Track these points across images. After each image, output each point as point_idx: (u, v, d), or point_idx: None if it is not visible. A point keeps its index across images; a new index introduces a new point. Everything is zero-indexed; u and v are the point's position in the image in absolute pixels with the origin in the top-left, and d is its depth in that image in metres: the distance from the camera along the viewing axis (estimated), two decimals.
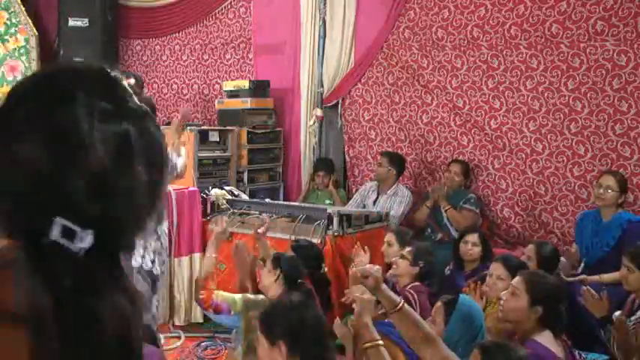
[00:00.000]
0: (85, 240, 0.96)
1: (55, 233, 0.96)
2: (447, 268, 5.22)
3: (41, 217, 0.96)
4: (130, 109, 1.06)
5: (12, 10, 8.33)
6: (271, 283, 4.06)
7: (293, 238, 5.17)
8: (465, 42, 6.41)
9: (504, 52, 6.20)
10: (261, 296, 4.12)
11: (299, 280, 4.20)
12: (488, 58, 6.28)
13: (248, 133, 7.31)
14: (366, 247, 5.03)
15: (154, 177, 1.05)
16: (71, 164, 0.96)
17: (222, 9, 8.02)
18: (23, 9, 8.46)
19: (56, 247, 0.95)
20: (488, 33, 6.27)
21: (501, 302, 3.72)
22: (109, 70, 1.13)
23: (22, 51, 8.48)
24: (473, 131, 6.47)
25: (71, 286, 0.95)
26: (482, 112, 6.39)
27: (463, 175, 6.25)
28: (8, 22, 8.45)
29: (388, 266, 4.89)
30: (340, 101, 7.33)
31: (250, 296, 4.11)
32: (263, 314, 2.96)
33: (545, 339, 3.38)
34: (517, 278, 3.66)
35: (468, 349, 3.19)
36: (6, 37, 8.46)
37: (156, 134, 1.08)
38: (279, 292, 4.04)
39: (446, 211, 6.08)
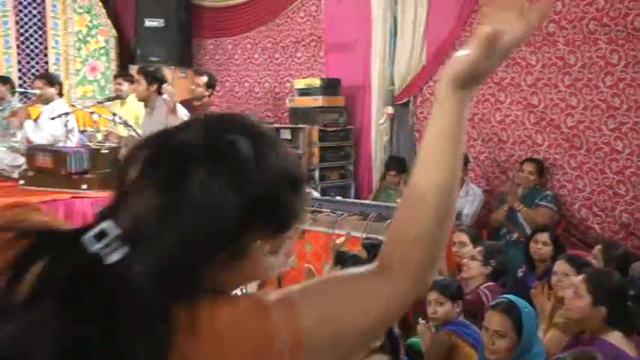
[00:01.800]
0: (116, 252, 0.96)
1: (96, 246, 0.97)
2: (520, 270, 5.14)
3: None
4: None
5: (93, 12, 8.63)
6: None
7: (364, 236, 5.19)
8: (540, 38, 6.30)
9: (582, 48, 6.08)
10: None
11: None
12: (565, 54, 6.18)
13: (319, 131, 7.41)
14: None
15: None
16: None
17: (292, 7, 8.14)
18: (104, 11, 8.75)
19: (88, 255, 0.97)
20: (565, 28, 6.16)
21: (566, 301, 3.69)
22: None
23: (102, 51, 8.79)
24: (548, 130, 6.38)
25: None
26: (558, 110, 6.29)
27: (537, 174, 6.17)
28: (90, 25, 8.77)
29: (459, 267, 4.89)
30: (412, 99, 7.32)
31: None
32: None
33: (615, 339, 3.33)
34: (579, 277, 3.63)
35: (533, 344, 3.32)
36: (88, 39, 8.79)
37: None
38: None
39: (520, 210, 6.01)
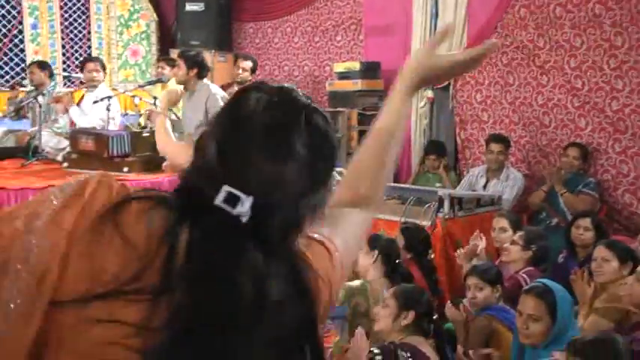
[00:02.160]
0: (245, 204, 1.07)
1: (220, 198, 1.08)
2: (561, 255, 5.12)
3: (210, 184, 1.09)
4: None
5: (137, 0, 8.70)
6: (369, 265, 4.15)
7: (403, 220, 5.21)
8: (586, 19, 6.23)
9: (629, 29, 5.98)
10: (357, 282, 4.16)
11: (397, 261, 4.27)
12: (611, 35, 6.09)
13: (358, 114, 7.45)
14: (482, 235, 4.96)
15: (318, 165, 1.17)
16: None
17: None
18: None
19: (214, 210, 1.07)
20: (612, 9, 6.07)
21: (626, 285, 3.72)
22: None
23: (143, 36, 8.90)
24: (592, 113, 6.31)
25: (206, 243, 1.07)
26: (603, 94, 6.21)
27: (582, 159, 6.13)
28: (132, 9, 8.88)
29: (497, 252, 4.94)
30: (452, 82, 7.23)
31: (349, 284, 4.13)
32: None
33: None
34: None
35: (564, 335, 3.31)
36: (129, 23, 8.89)
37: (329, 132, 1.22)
38: (377, 273, 4.15)
39: (562, 195, 5.97)
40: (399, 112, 1.54)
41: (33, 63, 7.32)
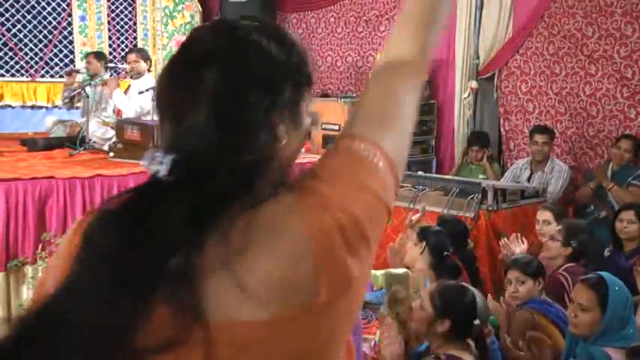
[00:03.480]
0: (163, 163, 1.01)
1: (145, 163, 1.03)
2: (607, 249, 5.09)
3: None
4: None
5: None
6: (417, 256, 4.15)
7: (446, 211, 5.27)
8: (639, 7, 6.17)
9: None
10: (401, 270, 4.15)
11: (445, 253, 4.24)
12: None
13: None
14: (524, 239, 4.94)
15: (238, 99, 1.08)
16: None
17: None
18: None
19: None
20: None
21: None
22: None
23: (187, 27, 9.02)
24: None
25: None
26: None
27: (634, 152, 6.05)
28: (177, 0, 8.97)
29: (540, 244, 4.95)
30: (497, 73, 7.28)
31: (392, 271, 4.15)
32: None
33: None
34: None
35: (619, 329, 3.27)
36: (174, 14, 9.00)
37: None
38: (424, 265, 4.14)
39: (610, 189, 5.92)
40: None
41: (90, 53, 7.43)
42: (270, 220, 1.03)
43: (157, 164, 1.00)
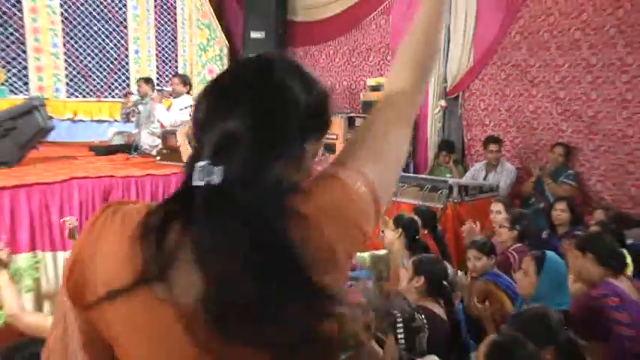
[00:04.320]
0: (215, 175, 0.92)
1: (195, 178, 0.94)
2: (545, 232, 5.09)
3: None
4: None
5: (212, 27, 8.88)
6: (394, 240, 4.12)
7: (420, 203, 5.23)
8: (568, 43, 6.21)
9: (603, 51, 5.95)
10: (383, 251, 4.18)
11: (417, 237, 4.22)
12: (588, 56, 6.06)
13: None
14: (477, 223, 4.91)
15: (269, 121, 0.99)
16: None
17: (366, 21, 8.14)
18: (219, 26, 8.97)
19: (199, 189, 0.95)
20: (589, 35, 6.05)
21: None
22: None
23: (217, 58, 9.00)
24: (571, 119, 6.28)
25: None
26: (580, 103, 6.18)
27: (565, 155, 6.12)
28: (209, 37, 9.00)
29: (493, 230, 4.86)
30: (461, 94, 7.28)
31: (375, 252, 4.17)
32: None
33: (620, 282, 3.30)
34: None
35: (554, 295, 3.26)
36: (207, 48, 9.02)
37: None
38: (400, 246, 4.10)
39: (547, 185, 6.01)
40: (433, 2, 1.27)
41: (141, 78, 7.43)
42: None
43: (207, 175, 0.91)
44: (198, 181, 0.92)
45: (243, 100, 0.98)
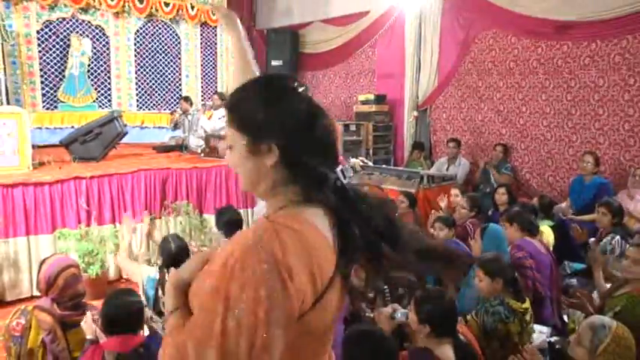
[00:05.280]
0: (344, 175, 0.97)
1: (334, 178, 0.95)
2: (490, 211, 5.11)
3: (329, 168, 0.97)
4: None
5: None
6: None
7: (401, 189, 5.14)
8: (505, 70, 6.28)
9: (529, 77, 6.05)
10: None
11: (396, 214, 4.20)
12: (520, 80, 6.14)
13: (373, 126, 7.31)
14: (446, 196, 4.98)
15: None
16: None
17: (358, 53, 8.07)
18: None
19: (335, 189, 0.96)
20: (519, 65, 6.13)
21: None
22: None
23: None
24: (508, 126, 6.35)
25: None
26: (515, 114, 6.26)
27: (504, 152, 6.17)
28: None
29: (453, 209, 4.83)
30: (429, 107, 7.25)
31: None
32: None
33: (532, 240, 3.41)
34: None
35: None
36: None
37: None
38: None
39: (492, 174, 6.05)
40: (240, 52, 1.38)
41: (182, 98, 7.32)
42: None
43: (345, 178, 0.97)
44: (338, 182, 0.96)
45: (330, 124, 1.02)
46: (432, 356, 2.09)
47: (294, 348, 0.84)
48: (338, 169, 0.95)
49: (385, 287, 2.77)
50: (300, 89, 0.97)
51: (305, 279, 0.83)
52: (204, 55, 8.67)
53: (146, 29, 8.01)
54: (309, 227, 0.89)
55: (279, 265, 0.79)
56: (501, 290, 2.68)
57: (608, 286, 3.16)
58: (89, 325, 2.23)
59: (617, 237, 3.83)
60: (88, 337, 2.21)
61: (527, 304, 2.68)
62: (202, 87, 8.73)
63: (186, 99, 7.14)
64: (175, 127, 7.12)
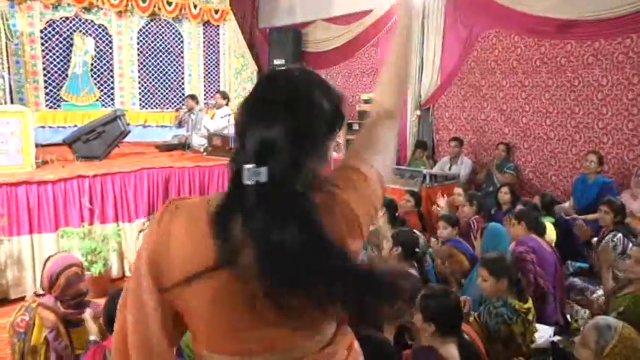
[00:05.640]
0: (262, 175, 0.86)
1: (245, 177, 0.87)
2: (493, 209, 5.15)
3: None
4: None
5: (245, 56, 8.85)
6: (380, 217, 4.02)
7: (405, 189, 5.16)
8: (508, 69, 6.26)
9: (532, 76, 6.03)
10: (372, 227, 4.05)
11: (396, 214, 4.23)
12: (523, 79, 6.13)
13: None
14: (445, 195, 5.00)
15: (301, 127, 0.92)
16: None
17: (361, 52, 8.05)
18: (251, 55, 9.00)
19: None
20: (523, 64, 6.11)
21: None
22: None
23: (249, 79, 8.72)
24: (511, 125, 6.33)
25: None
26: (518, 113, 6.24)
27: (507, 152, 6.16)
28: (243, 64, 8.84)
29: (457, 207, 4.81)
30: (431, 106, 7.24)
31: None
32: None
33: (536, 238, 3.46)
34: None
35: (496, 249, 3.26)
36: (241, 71, 8.86)
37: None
38: (384, 221, 4.02)
39: (495, 174, 6.04)
40: (400, 44, 1.20)
41: (188, 95, 7.29)
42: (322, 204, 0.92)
43: (255, 175, 0.86)
44: (248, 181, 0.86)
45: (279, 112, 0.91)
46: (436, 355, 2.08)
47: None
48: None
49: None
50: None
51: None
52: (206, 54, 8.67)
53: (149, 28, 8.02)
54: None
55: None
56: (505, 290, 2.67)
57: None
58: (91, 326, 2.23)
59: (619, 234, 3.83)
60: (92, 337, 2.22)
61: (529, 304, 2.67)
62: (205, 86, 8.70)
63: (193, 97, 7.14)
64: (180, 124, 7.12)
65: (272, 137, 0.89)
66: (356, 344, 1.07)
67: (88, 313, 2.27)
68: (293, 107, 0.92)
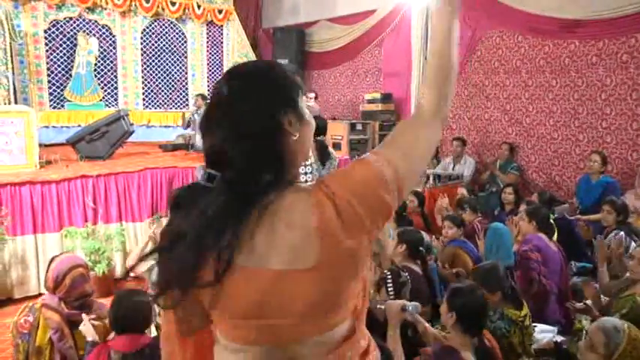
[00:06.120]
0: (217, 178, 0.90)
1: (202, 179, 0.92)
2: (496, 210, 5.16)
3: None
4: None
5: (249, 56, 8.72)
6: None
7: None
8: (512, 69, 6.28)
9: (536, 75, 6.04)
10: None
11: (404, 213, 4.29)
12: (526, 79, 6.13)
13: (379, 124, 7.31)
14: (446, 195, 5.01)
15: (240, 127, 0.91)
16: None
17: (364, 52, 8.10)
18: (254, 55, 8.98)
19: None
20: (526, 64, 6.12)
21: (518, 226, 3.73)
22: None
23: None
24: (515, 125, 6.35)
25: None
26: (521, 113, 6.25)
27: (510, 152, 6.17)
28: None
29: (462, 208, 4.67)
30: None
31: None
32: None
33: (543, 237, 3.47)
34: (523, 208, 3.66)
35: (499, 252, 3.38)
36: None
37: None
38: (390, 220, 3.99)
39: (498, 175, 6.04)
40: (444, 33, 1.04)
41: (198, 94, 7.17)
42: (289, 205, 0.88)
43: (207, 181, 0.89)
44: (203, 182, 0.90)
45: (218, 117, 0.91)
46: (459, 356, 2.08)
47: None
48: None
49: (388, 274, 2.75)
50: None
51: None
52: (210, 54, 8.69)
53: (152, 28, 8.05)
54: None
55: None
56: (499, 301, 2.64)
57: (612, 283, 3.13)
58: (88, 328, 2.24)
59: (621, 233, 3.84)
60: (89, 338, 2.23)
61: (525, 310, 2.64)
62: (208, 86, 8.66)
63: (203, 96, 7.15)
64: (188, 125, 7.15)
65: (215, 143, 0.91)
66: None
67: (86, 318, 2.28)
68: (226, 110, 0.91)
